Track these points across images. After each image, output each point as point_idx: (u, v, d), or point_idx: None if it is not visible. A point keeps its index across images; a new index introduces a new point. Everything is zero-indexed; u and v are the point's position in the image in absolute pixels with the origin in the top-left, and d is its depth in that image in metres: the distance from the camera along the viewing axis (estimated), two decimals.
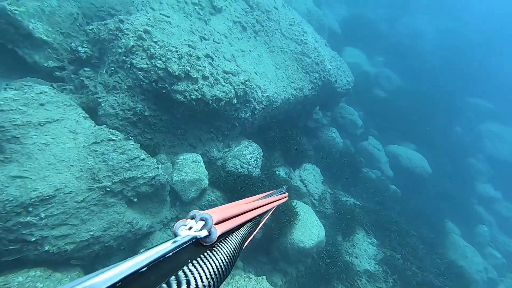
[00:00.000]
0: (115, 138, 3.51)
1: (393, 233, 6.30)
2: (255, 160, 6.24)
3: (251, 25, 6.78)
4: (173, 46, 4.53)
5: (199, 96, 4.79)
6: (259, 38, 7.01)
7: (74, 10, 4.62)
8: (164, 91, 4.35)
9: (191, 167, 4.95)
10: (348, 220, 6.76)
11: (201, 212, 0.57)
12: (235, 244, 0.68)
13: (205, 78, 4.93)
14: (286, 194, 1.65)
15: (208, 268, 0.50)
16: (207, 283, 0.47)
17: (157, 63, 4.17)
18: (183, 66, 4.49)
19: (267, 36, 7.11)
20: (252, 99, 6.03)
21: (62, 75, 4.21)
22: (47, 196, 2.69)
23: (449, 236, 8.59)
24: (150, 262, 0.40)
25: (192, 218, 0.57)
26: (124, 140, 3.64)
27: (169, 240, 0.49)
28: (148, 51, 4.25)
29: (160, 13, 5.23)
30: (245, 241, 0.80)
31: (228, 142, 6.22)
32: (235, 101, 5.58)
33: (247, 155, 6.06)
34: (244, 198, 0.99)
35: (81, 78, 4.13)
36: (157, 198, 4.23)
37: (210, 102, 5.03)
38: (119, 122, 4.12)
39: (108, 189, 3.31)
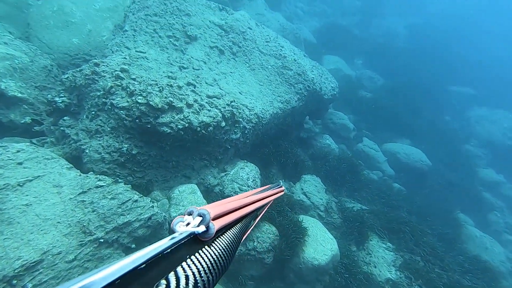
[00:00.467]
0: (103, 184, 3.34)
1: (407, 234, 6.09)
2: (253, 180, 6.08)
3: (228, 48, 6.89)
4: (153, 80, 4.49)
5: (186, 125, 4.70)
6: (238, 59, 7.09)
7: (48, 62, 4.59)
8: (149, 126, 4.24)
9: (189, 199, 4.75)
10: (358, 227, 6.54)
11: (198, 208, 0.57)
12: (233, 239, 0.68)
13: (189, 106, 4.87)
14: (283, 188, 1.67)
15: (206, 263, 0.50)
16: (206, 278, 0.48)
17: (138, 99, 4.10)
18: (165, 97, 4.43)
19: (245, 55, 7.21)
20: (240, 119, 5.98)
21: (42, 129, 4.07)
22: (33, 262, 2.46)
23: (463, 228, 8.39)
24: (149, 259, 0.40)
25: (190, 214, 0.57)
26: (113, 184, 3.46)
27: (167, 236, 0.48)
28: (128, 89, 4.19)
29: (136, 51, 5.25)
30: (243, 236, 0.81)
31: (223, 166, 6.08)
32: (223, 124, 5.50)
33: (244, 176, 5.90)
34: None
35: (62, 128, 4.01)
36: (156, 239, 3.99)
37: (198, 129, 4.93)
38: (106, 166, 3.95)
39: (102, 240, 3.08)
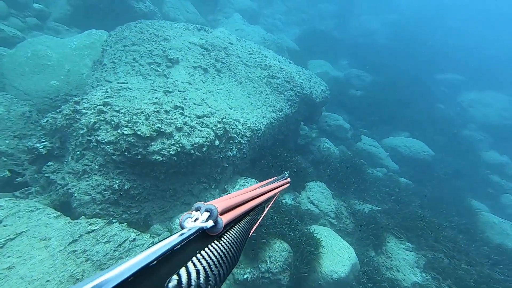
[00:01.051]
0: (96, 227, 3.08)
1: (425, 230, 5.82)
2: None
3: (212, 65, 6.82)
4: (138, 109, 4.32)
5: (179, 149, 4.50)
6: (224, 75, 7.02)
7: (26, 109, 4.42)
8: (139, 156, 4.03)
9: None
10: (373, 230, 6.25)
11: (206, 203, 0.58)
12: (242, 232, 0.69)
13: (179, 129, 4.69)
14: (288, 179, 1.65)
15: (216, 258, 0.51)
16: (217, 272, 0.49)
17: (124, 130, 3.91)
18: (153, 124, 4.24)
19: (230, 70, 7.14)
20: (234, 135, 5.81)
21: (24, 179, 3.84)
22: None
23: (479, 216, 8.13)
24: (159, 256, 0.41)
25: (197, 210, 0.57)
26: (106, 226, 3.20)
27: (176, 233, 0.49)
28: (112, 122, 4.01)
29: (117, 82, 5.12)
30: (251, 229, 0.81)
31: (223, 186, 5.83)
32: (217, 142, 5.32)
33: None
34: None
35: (46, 174, 3.78)
36: None
37: (192, 151, 4.73)
38: (98, 207, 3.69)
39: None
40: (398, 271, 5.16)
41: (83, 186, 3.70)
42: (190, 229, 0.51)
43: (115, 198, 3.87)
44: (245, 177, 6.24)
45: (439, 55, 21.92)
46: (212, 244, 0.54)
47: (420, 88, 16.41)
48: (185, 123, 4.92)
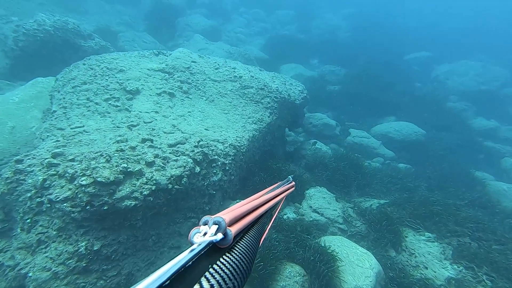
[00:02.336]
0: None
1: (442, 215, 5.43)
2: None
3: (178, 88, 6.41)
4: (96, 152, 3.78)
5: (153, 188, 3.94)
6: (193, 95, 6.61)
7: None
8: (106, 207, 3.44)
9: None
10: (387, 226, 5.80)
11: (213, 216, 0.58)
12: (252, 241, 0.69)
13: (150, 164, 4.15)
14: (293, 183, 1.62)
15: (230, 270, 0.51)
16: (232, 285, 0.49)
17: (82, 181, 3.34)
18: (117, 166, 3.70)
19: (199, 89, 6.76)
20: (216, 157, 5.33)
21: None
22: None
23: (487, 186, 7.91)
24: (172, 275, 0.40)
25: (205, 223, 0.57)
26: None
27: (186, 249, 0.48)
28: (66, 174, 3.43)
29: (71, 128, 4.57)
30: (261, 237, 0.82)
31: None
32: (197, 169, 4.81)
33: None
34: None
35: None
36: None
37: (170, 186, 4.18)
38: (63, 283, 3.04)
39: None
40: (426, 268, 4.68)
41: (40, 260, 3.05)
42: (200, 244, 0.50)
43: (84, 265, 3.23)
44: (238, 200, 5.70)
45: (404, 37, 22.76)
46: (224, 256, 0.54)
47: (394, 71, 16.71)
48: (156, 156, 4.40)
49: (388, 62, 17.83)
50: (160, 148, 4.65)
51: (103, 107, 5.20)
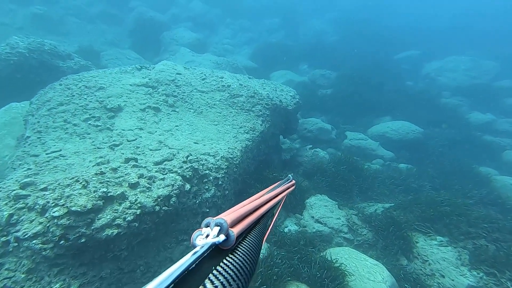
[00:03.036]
0: None
1: (452, 216, 5.15)
2: None
3: (163, 102, 6.14)
4: (71, 178, 3.45)
5: (138, 212, 3.60)
6: (180, 108, 6.35)
7: None
8: (83, 240, 3.08)
9: None
10: (395, 232, 5.49)
11: (214, 218, 0.58)
12: (255, 241, 0.70)
13: (134, 186, 3.82)
14: (293, 181, 1.61)
15: (233, 271, 0.51)
16: (236, 286, 0.49)
17: (54, 212, 2.99)
18: (95, 191, 3.36)
19: (186, 102, 6.50)
20: (207, 171, 5.02)
21: None
22: None
23: (493, 181, 7.71)
24: (176, 278, 0.40)
25: (207, 226, 0.57)
26: None
27: (189, 252, 0.49)
28: (37, 206, 3.09)
29: (46, 154, 4.24)
30: (264, 236, 0.83)
31: None
32: (188, 186, 4.49)
33: None
34: None
35: None
36: None
37: (157, 208, 3.84)
38: None
39: None
40: (443, 276, 4.35)
41: None
42: (202, 246, 0.50)
43: None
44: None
45: (391, 37, 23.09)
46: (227, 258, 0.54)
47: (385, 71, 16.78)
48: (140, 176, 4.07)
49: (378, 62, 17.94)
50: (145, 167, 4.33)
51: (82, 128, 4.88)
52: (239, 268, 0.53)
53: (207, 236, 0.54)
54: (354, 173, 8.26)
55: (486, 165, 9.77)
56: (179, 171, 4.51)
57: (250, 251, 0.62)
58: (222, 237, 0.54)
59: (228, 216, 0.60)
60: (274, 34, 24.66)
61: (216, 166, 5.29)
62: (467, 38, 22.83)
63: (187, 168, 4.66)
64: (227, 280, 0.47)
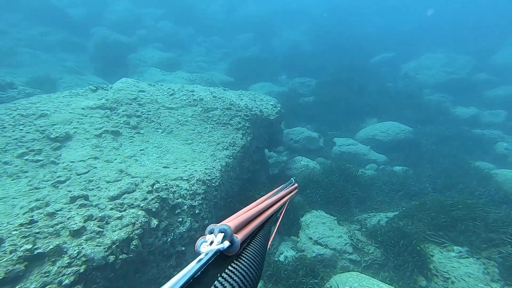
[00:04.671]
0: None
1: (467, 220, 4.60)
2: None
3: (124, 124, 5.38)
4: None
5: (82, 269, 2.74)
6: (145, 130, 5.59)
7: None
8: None
9: None
10: (407, 247, 4.83)
11: (218, 224, 0.58)
12: (259, 247, 0.70)
13: (77, 233, 2.98)
14: (296, 185, 1.62)
15: (239, 277, 0.51)
16: None
17: None
18: (13, 251, 2.51)
19: (152, 121, 5.77)
20: (180, 200, 4.25)
21: None
22: None
23: (494, 176, 7.38)
24: (181, 286, 0.41)
25: (211, 232, 0.58)
26: None
27: (194, 260, 0.49)
28: None
29: None
30: (268, 241, 0.83)
31: None
32: (154, 222, 3.68)
33: None
34: None
35: None
36: None
37: (112, 258, 3.00)
38: None
39: None
40: None
41: None
42: (207, 253, 0.51)
43: None
44: None
45: (365, 42, 23.72)
46: (232, 264, 0.54)
47: (364, 74, 16.86)
48: (89, 217, 3.23)
49: (357, 66, 18.10)
50: (96, 206, 3.50)
51: (16, 165, 4.01)
52: (244, 274, 0.53)
53: (211, 243, 0.54)
54: (349, 182, 7.70)
55: (480, 158, 9.54)
56: (142, 205, 3.71)
57: (255, 256, 0.62)
58: (226, 244, 0.54)
59: (231, 222, 0.60)
60: (249, 48, 24.71)
61: (191, 192, 4.53)
62: (437, 37, 23.83)
63: (153, 199, 3.86)
64: (233, 287, 0.47)
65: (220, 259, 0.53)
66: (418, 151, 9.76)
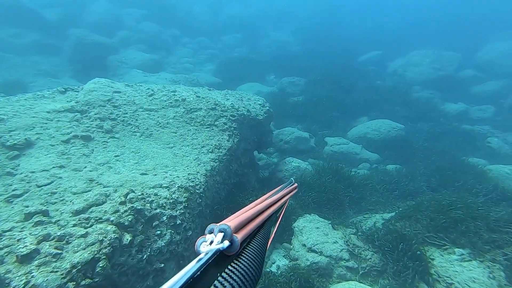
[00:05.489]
0: None
1: (467, 220, 4.36)
2: None
3: (97, 128, 4.90)
4: None
5: None
6: (121, 133, 5.13)
7: None
8: None
9: None
10: (406, 251, 4.54)
11: (218, 224, 0.59)
12: (259, 246, 0.70)
13: (27, 258, 2.53)
14: (296, 184, 1.62)
15: (239, 277, 0.51)
16: None
17: None
18: None
19: (129, 124, 5.31)
20: (158, 210, 3.83)
21: None
22: None
23: (487, 173, 7.27)
24: (181, 286, 0.40)
25: (211, 232, 0.58)
26: None
27: (193, 260, 0.49)
28: None
29: None
30: (268, 241, 0.83)
31: None
32: (127, 238, 3.25)
33: None
34: None
35: None
36: None
37: (71, 286, 2.55)
38: None
39: None
40: None
41: None
42: (207, 253, 0.51)
43: None
44: None
45: (353, 42, 23.80)
46: (232, 264, 0.55)
47: (353, 73, 16.78)
48: (44, 238, 2.78)
49: (345, 65, 18.02)
50: (56, 222, 3.04)
51: None
52: (244, 274, 0.53)
53: (211, 242, 0.54)
54: (342, 182, 7.42)
55: (471, 154, 9.49)
56: (112, 219, 3.26)
57: (254, 256, 0.63)
58: (226, 243, 0.54)
59: (231, 221, 0.60)
60: (237, 48, 24.35)
61: (171, 201, 4.12)
62: (423, 35, 24.15)
63: (126, 211, 3.42)
64: (233, 286, 0.47)
65: (220, 258, 0.53)
66: (410, 149, 9.62)
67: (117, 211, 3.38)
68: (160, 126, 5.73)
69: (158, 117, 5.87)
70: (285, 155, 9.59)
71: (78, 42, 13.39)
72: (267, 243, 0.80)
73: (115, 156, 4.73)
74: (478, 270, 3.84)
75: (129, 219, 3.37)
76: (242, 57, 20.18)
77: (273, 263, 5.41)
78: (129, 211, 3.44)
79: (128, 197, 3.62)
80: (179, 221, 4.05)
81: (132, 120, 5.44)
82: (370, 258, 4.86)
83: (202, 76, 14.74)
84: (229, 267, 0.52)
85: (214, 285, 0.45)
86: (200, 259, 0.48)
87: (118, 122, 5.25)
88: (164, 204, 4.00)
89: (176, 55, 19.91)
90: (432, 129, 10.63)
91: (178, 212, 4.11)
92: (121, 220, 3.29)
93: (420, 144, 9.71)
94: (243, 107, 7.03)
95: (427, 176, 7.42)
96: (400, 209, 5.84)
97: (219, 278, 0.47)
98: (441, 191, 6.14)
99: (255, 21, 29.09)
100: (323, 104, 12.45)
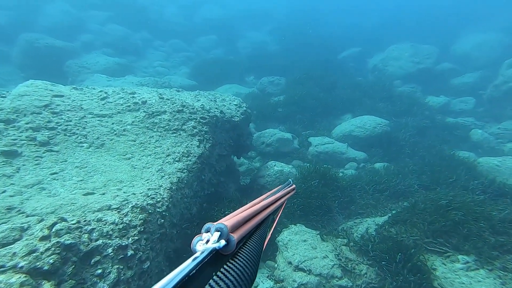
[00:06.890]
0: None
1: (469, 222, 3.86)
2: None
3: (28, 140, 4.01)
4: None
5: None
6: (62, 145, 4.25)
7: None
8: None
9: None
10: (406, 262, 3.97)
11: (215, 223, 0.58)
12: (255, 246, 0.70)
13: None
14: (294, 186, 1.62)
15: (234, 277, 0.51)
16: None
17: None
18: None
19: (74, 134, 4.45)
20: (100, 242, 3.05)
21: None
22: None
23: (478, 165, 6.99)
24: (176, 284, 0.40)
25: (207, 231, 0.57)
26: None
27: (189, 258, 0.48)
28: None
29: None
30: (264, 241, 0.83)
31: None
32: (47, 287, 2.42)
33: None
34: None
35: None
36: None
37: None
38: None
39: None
40: None
41: None
42: (202, 252, 0.50)
43: None
44: None
45: (331, 40, 23.75)
46: (228, 263, 0.54)
47: (333, 70, 16.51)
48: None
49: (326, 62, 17.76)
50: None
51: None
52: (239, 273, 0.53)
53: (207, 241, 0.54)
54: (329, 186, 6.83)
55: (457, 147, 9.29)
56: (23, 264, 2.44)
57: (250, 256, 0.63)
58: (222, 242, 0.54)
59: (228, 221, 0.60)
60: (213, 50, 23.62)
61: (120, 227, 3.33)
62: (399, 31, 24.50)
63: (47, 250, 2.61)
64: (228, 286, 0.47)
65: (216, 258, 0.53)
66: (397, 145, 9.25)
67: (34, 251, 2.55)
68: (115, 134, 4.89)
69: (112, 123, 5.02)
70: (267, 158, 8.94)
71: (28, 46, 12.10)
72: (264, 244, 0.79)
73: (52, 174, 3.86)
74: (488, 281, 3.31)
75: (52, 261, 2.55)
76: (219, 59, 19.47)
77: (256, 286, 4.68)
78: (52, 249, 2.62)
79: (54, 229, 2.79)
80: (131, 252, 3.25)
81: (77, 129, 4.57)
82: (366, 273, 4.24)
83: (175, 79, 13.87)
84: (225, 266, 0.52)
85: (209, 284, 0.44)
86: (195, 258, 0.47)
87: (58, 131, 4.36)
88: (110, 232, 3.20)
89: (148, 58, 18.88)
90: (417, 124, 10.37)
91: (130, 240, 3.31)
92: (38, 263, 2.47)
93: (407, 140, 9.37)
94: (216, 108, 6.31)
95: (417, 173, 6.99)
96: (393, 211, 5.32)
97: (214, 277, 0.47)
98: (435, 189, 5.68)
99: (230, 22, 28.53)
100: (305, 103, 11.95)
